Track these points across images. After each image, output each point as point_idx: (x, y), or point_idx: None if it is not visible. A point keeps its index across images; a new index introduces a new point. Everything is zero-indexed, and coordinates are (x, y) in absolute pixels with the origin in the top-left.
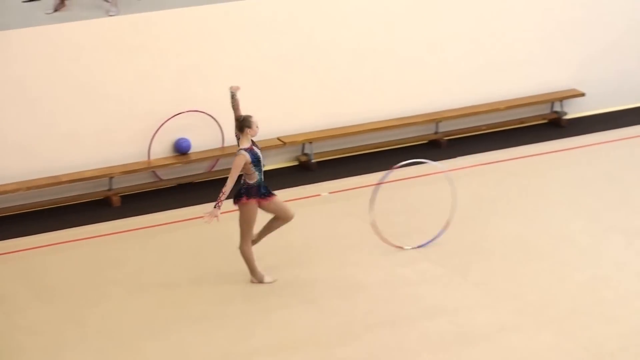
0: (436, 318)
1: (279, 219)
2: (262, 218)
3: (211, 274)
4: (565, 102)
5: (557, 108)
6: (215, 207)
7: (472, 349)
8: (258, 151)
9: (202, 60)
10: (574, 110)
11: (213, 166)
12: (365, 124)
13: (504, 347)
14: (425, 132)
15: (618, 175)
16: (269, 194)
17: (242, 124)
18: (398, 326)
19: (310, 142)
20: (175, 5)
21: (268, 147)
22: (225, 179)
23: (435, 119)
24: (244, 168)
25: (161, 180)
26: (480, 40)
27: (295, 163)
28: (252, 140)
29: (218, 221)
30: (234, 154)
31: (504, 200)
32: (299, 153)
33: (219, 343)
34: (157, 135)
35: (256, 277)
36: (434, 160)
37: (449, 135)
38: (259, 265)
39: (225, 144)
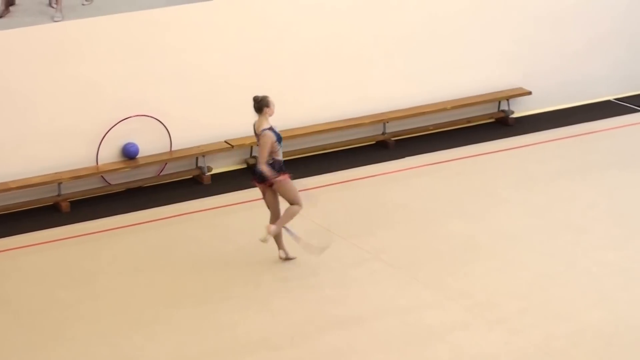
0: (387, 318)
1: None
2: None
3: (161, 278)
4: (511, 100)
5: (504, 107)
6: (274, 178)
7: (423, 348)
8: (277, 131)
9: (149, 64)
10: (520, 109)
11: (161, 170)
12: (313, 126)
13: (454, 346)
14: (373, 133)
15: (565, 173)
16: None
17: (261, 103)
18: (349, 326)
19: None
20: (120, 9)
21: (216, 151)
22: (174, 183)
23: (383, 120)
24: (262, 148)
25: (110, 185)
26: (426, 40)
27: (244, 166)
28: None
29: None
30: (181, 158)
31: (452, 200)
32: (247, 156)
33: (170, 347)
34: (104, 140)
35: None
36: (383, 160)
37: (396, 136)
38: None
39: (173, 148)
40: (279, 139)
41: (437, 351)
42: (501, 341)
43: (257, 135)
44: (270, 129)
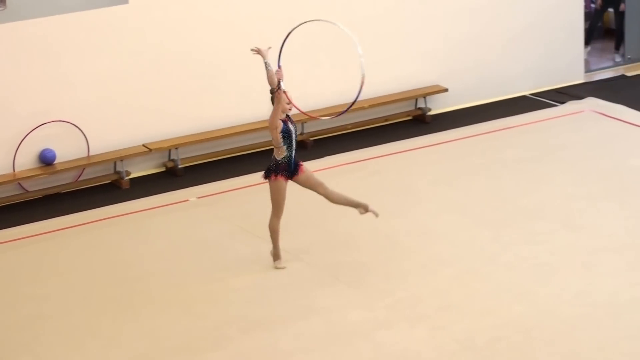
0: (309, 318)
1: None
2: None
3: (81, 284)
4: (428, 98)
5: (421, 104)
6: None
7: (347, 347)
8: (292, 127)
9: (65, 69)
10: (437, 106)
11: (79, 176)
12: (231, 128)
13: (378, 344)
14: None
15: (483, 169)
16: (297, 171)
17: (273, 96)
18: (271, 328)
19: (177, 148)
20: (36, 15)
21: (134, 155)
22: (93, 188)
23: (300, 120)
24: (273, 139)
25: (27, 192)
26: (342, 40)
27: (162, 169)
28: (287, 116)
29: (260, 52)
30: (99, 163)
31: (372, 198)
32: (166, 159)
33: (91, 354)
34: (21, 147)
35: (275, 254)
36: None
37: (314, 136)
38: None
39: (91, 153)
40: (287, 133)
41: (360, 350)
42: (424, 338)
43: None
44: (282, 120)
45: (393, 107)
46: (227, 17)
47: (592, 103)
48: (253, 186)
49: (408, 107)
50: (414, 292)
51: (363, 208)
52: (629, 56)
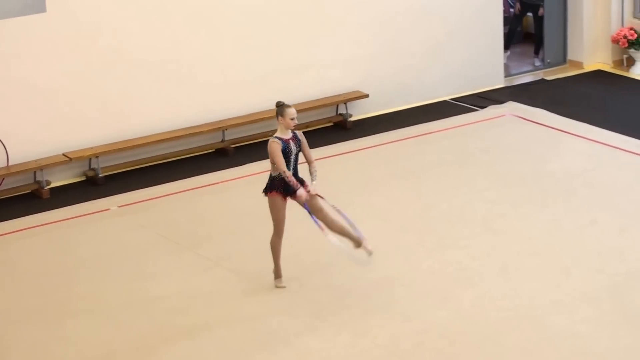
0: (234, 325)
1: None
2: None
3: (3, 295)
4: (349, 104)
5: (342, 110)
6: (297, 189)
7: (271, 354)
8: (293, 145)
9: None
10: (358, 112)
11: None
12: (152, 136)
13: (302, 351)
14: (212, 140)
15: (405, 174)
16: (294, 193)
17: (277, 111)
18: (195, 336)
19: (97, 157)
20: None
21: (54, 164)
22: (13, 198)
23: (222, 127)
24: (271, 158)
25: None
26: (263, 46)
27: (83, 178)
28: (293, 133)
29: (310, 197)
30: (19, 172)
31: (294, 205)
32: (86, 168)
33: None
34: None
35: (276, 272)
36: (223, 168)
37: (235, 143)
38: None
39: (10, 163)
40: (285, 152)
41: (285, 356)
42: (348, 343)
43: None
44: (282, 139)
45: (314, 113)
46: (147, 23)
47: (512, 107)
48: (175, 194)
49: (329, 113)
50: (337, 297)
51: (356, 243)
52: (548, 60)
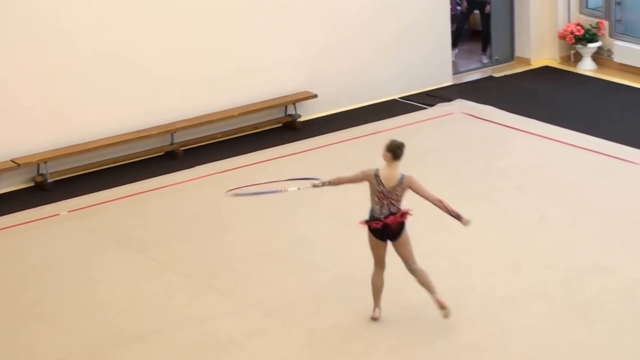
0: (185, 329)
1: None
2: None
3: None
4: (298, 104)
5: (291, 111)
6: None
7: (223, 356)
8: (378, 184)
9: None
10: (307, 112)
11: None
12: (100, 140)
13: (255, 352)
14: (161, 143)
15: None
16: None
17: (400, 151)
18: (147, 340)
19: (45, 162)
20: None
21: (1, 170)
22: None
23: (170, 130)
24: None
25: None
26: (211, 48)
27: (32, 184)
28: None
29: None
30: None
31: (245, 206)
32: (35, 174)
33: None
34: None
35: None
36: (173, 170)
37: (185, 146)
38: None
39: None
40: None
41: (236, 358)
42: (301, 344)
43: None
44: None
45: (262, 114)
46: (94, 27)
47: (461, 105)
48: (124, 198)
49: (278, 114)
50: (290, 298)
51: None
52: (495, 57)
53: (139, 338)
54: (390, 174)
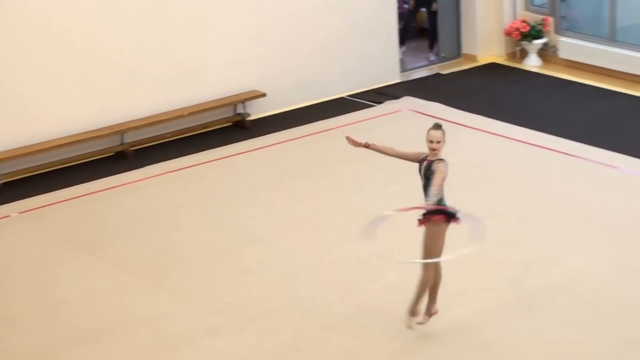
0: (137, 328)
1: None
2: None
3: None
4: (247, 103)
5: (240, 110)
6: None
7: (175, 355)
8: (422, 166)
9: None
10: (256, 111)
11: None
12: (50, 141)
13: (206, 351)
14: (111, 144)
15: (305, 172)
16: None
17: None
18: (100, 340)
19: None
20: None
21: None
22: None
23: (120, 131)
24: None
25: None
26: (160, 48)
27: None
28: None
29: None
30: None
31: (195, 205)
32: None
33: None
34: None
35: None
36: (123, 171)
37: (135, 146)
38: None
39: None
40: (420, 172)
41: (189, 357)
42: (252, 342)
43: None
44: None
45: (212, 113)
46: (40, 27)
47: (408, 102)
48: (75, 198)
49: (227, 113)
50: (240, 296)
51: (427, 310)
52: (442, 54)
53: (91, 338)
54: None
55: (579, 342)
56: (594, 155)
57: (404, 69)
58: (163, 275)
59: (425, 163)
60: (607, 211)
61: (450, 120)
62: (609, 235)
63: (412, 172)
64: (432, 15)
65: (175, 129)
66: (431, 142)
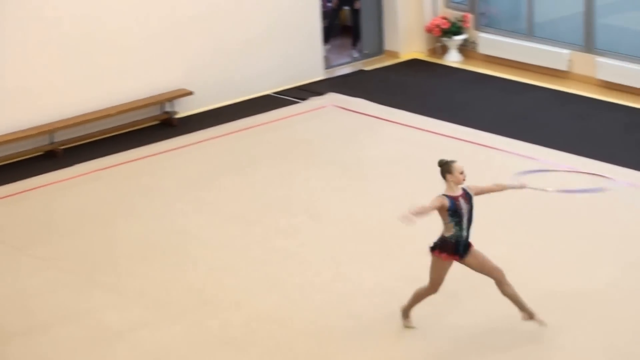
0: (68, 323)
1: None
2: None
3: None
4: (175, 101)
5: (168, 108)
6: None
7: (106, 349)
8: (463, 203)
9: None
10: (184, 109)
11: None
12: None
13: (137, 345)
14: (40, 143)
15: (231, 168)
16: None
17: (442, 169)
18: (32, 336)
19: None
20: None
21: None
22: None
23: (49, 130)
24: (440, 214)
25: None
26: (85, 47)
27: None
28: (464, 190)
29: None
30: None
31: (125, 203)
32: None
33: None
34: None
35: (406, 312)
36: (53, 169)
37: (64, 145)
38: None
39: None
40: (455, 212)
41: (120, 351)
42: (182, 335)
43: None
44: (451, 197)
45: (140, 112)
46: None
47: (332, 98)
48: (5, 198)
49: (155, 111)
50: (170, 290)
51: (528, 315)
52: (365, 51)
53: (23, 334)
54: (446, 189)
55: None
56: (513, 147)
57: (328, 65)
58: (94, 271)
59: (464, 197)
60: (524, 200)
61: (374, 115)
62: (524, 220)
63: (336, 169)
64: (355, 13)
65: (104, 128)
66: (462, 173)
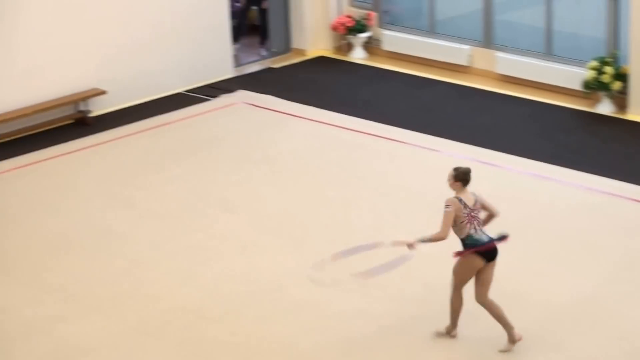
0: None
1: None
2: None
3: None
4: (89, 101)
5: (82, 107)
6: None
7: (25, 344)
8: (465, 207)
9: None
10: (98, 108)
11: None
12: None
13: (56, 338)
14: None
15: (146, 165)
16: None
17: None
18: None
19: None
20: None
21: None
22: None
23: None
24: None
25: None
26: (1, 47)
27: None
28: (473, 194)
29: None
30: None
31: (42, 200)
32: None
33: None
34: None
35: (451, 327)
36: None
37: None
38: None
39: None
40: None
41: (39, 345)
42: (100, 328)
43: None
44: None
45: (55, 112)
46: None
47: (242, 95)
48: None
49: (69, 110)
50: (87, 284)
51: (511, 337)
52: (273, 49)
53: None
54: (466, 196)
55: (408, 314)
56: (417, 140)
57: (237, 64)
58: (12, 266)
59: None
60: (429, 190)
61: (282, 111)
62: (431, 210)
63: (246, 165)
64: (263, 12)
65: (20, 127)
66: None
